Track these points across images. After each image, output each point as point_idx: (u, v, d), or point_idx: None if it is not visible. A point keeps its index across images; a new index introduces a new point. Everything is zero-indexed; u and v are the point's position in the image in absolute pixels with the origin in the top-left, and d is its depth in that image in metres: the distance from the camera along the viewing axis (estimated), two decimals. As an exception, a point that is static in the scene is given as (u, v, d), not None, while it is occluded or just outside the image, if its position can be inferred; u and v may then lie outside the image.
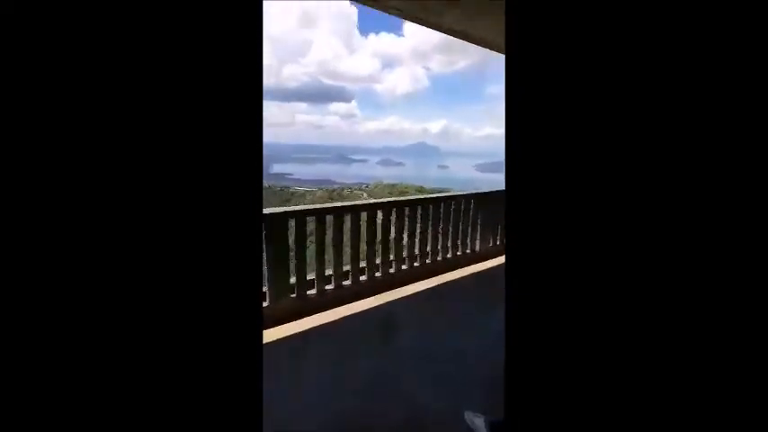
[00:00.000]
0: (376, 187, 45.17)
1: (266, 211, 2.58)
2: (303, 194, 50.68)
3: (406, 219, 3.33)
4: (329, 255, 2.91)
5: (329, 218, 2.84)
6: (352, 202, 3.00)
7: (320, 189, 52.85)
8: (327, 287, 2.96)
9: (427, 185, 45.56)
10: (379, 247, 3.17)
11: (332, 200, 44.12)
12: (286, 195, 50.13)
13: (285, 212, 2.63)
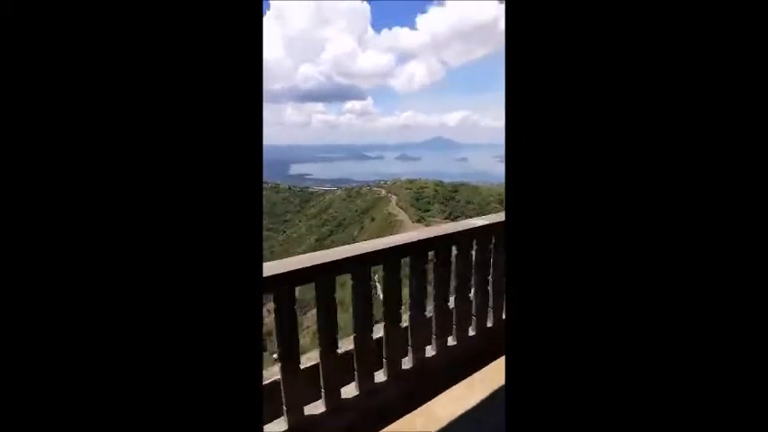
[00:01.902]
0: (395, 184, 44.22)
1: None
2: (323, 194, 50.46)
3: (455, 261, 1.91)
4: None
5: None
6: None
7: (339, 188, 52.56)
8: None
9: (446, 180, 44.11)
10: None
11: (350, 198, 43.55)
12: (306, 196, 50.05)
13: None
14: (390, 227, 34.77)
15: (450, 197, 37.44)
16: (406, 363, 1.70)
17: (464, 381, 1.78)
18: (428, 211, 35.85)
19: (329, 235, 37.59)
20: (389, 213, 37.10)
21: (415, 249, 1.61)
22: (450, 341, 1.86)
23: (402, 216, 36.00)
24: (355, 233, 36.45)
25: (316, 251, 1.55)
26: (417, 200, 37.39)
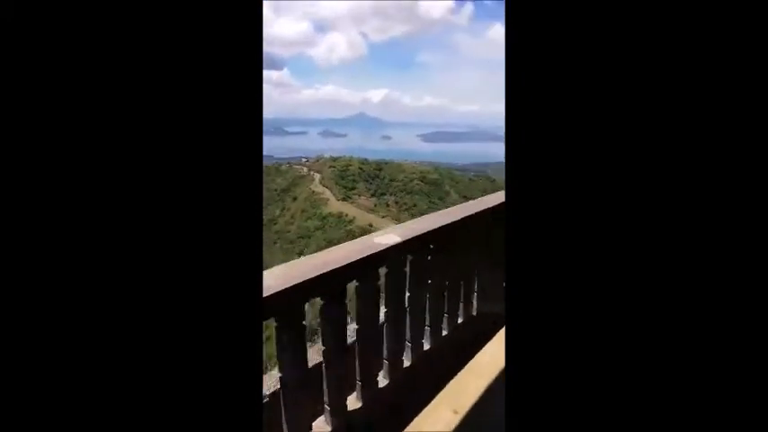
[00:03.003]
0: (318, 161, 42.31)
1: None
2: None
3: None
4: None
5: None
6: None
7: (256, 165, 48.33)
8: None
9: (371, 158, 43.84)
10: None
11: (269, 175, 40.50)
12: (217, 173, 44.82)
13: None
14: (315, 206, 33.51)
15: (375, 175, 37.40)
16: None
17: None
18: (354, 189, 35.35)
19: (246, 216, 34.73)
20: (313, 192, 35.65)
21: (288, 299, 1.01)
22: (352, 401, 1.35)
23: (327, 194, 34.93)
24: (277, 213, 34.35)
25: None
26: (342, 178, 36.52)
